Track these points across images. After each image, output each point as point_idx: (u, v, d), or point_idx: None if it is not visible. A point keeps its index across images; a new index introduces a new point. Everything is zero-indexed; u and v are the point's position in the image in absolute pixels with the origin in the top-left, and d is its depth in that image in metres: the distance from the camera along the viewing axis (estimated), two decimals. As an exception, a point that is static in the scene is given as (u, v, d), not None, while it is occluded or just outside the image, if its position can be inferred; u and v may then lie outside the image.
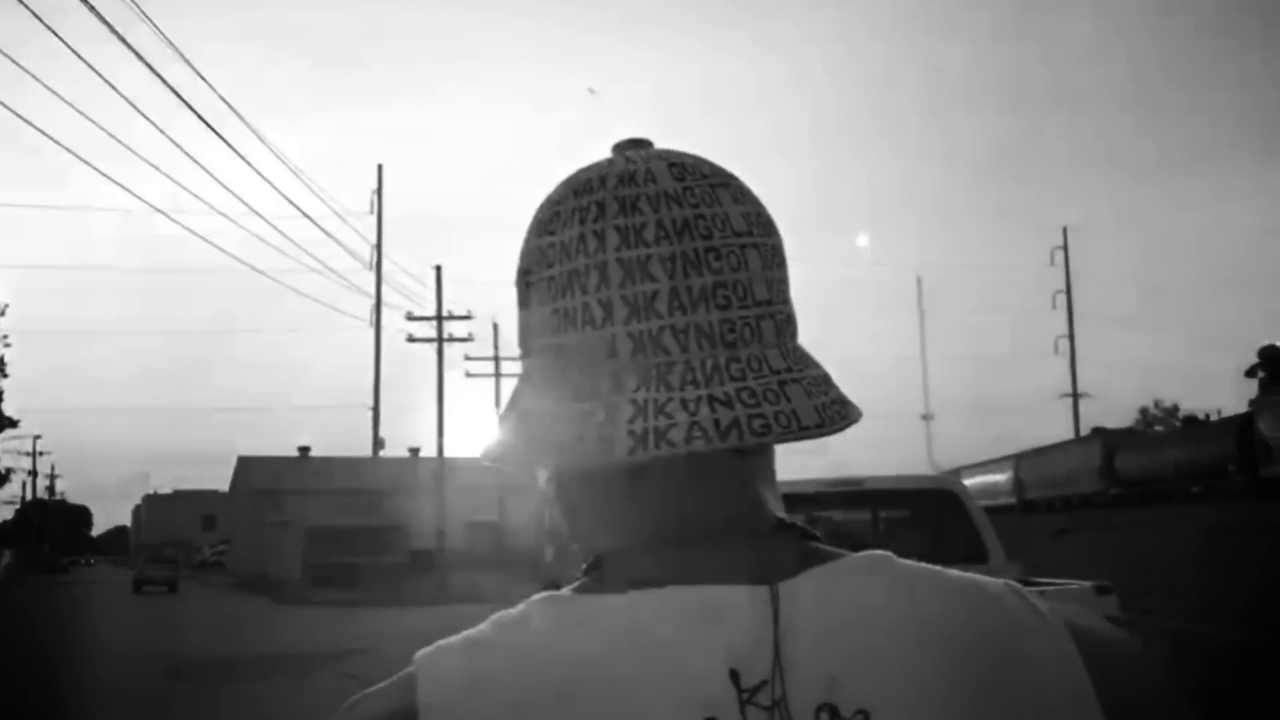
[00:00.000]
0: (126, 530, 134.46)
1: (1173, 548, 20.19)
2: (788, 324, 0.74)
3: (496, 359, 45.88)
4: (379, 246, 44.35)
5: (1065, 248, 59.78)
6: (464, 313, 39.64)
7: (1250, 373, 57.75)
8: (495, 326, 45.42)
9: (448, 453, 41.61)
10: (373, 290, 42.76)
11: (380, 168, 45.71)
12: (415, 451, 61.13)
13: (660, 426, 0.67)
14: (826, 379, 0.74)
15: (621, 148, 0.77)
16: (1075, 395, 58.43)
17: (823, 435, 0.70)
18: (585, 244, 0.71)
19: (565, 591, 0.70)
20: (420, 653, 0.70)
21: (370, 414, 43.47)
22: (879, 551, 0.73)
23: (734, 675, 0.64)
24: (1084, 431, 54.08)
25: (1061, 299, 59.06)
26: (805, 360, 0.74)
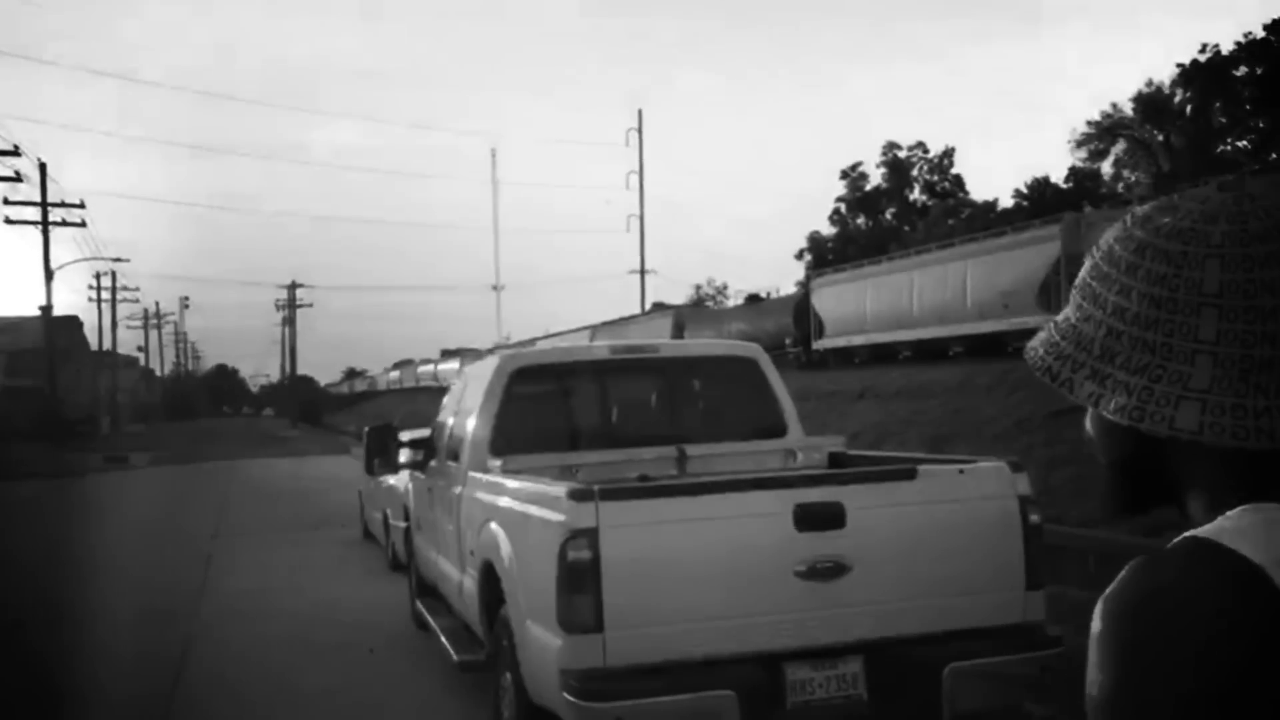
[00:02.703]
0: None
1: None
2: None
3: (44, 204, 40.37)
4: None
5: (640, 129, 62.23)
6: (9, 147, 34.08)
7: (799, 255, 63.84)
8: (43, 167, 39.81)
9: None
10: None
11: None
12: (-67, 307, 52.99)
13: None
14: None
15: (1232, 187, 1.01)
16: (643, 271, 61.75)
17: None
18: None
19: (1259, 505, 0.95)
20: (1214, 529, 0.94)
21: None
22: None
23: None
24: (648, 305, 57.60)
25: (635, 179, 61.70)
26: None
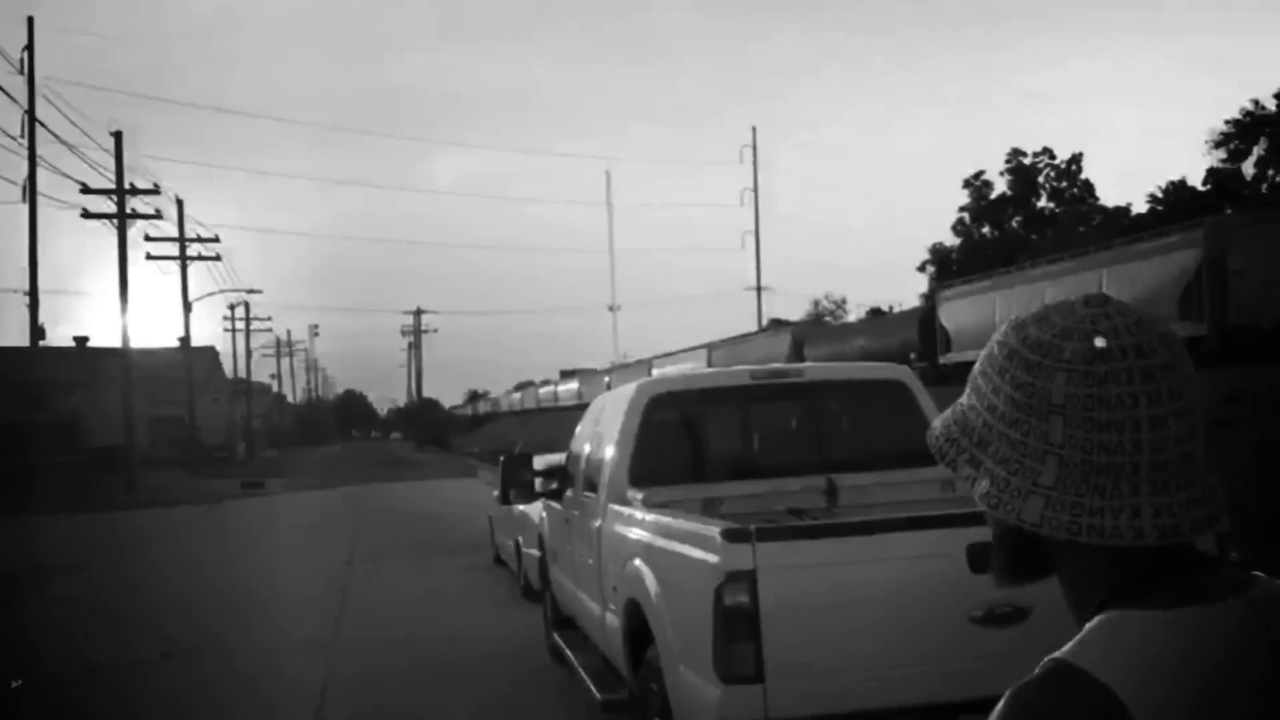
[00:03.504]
0: None
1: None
2: (1202, 446, 1.11)
3: (182, 239, 42.05)
4: (31, 111, 39.11)
5: (754, 146, 61.90)
6: (149, 185, 35.54)
7: (922, 268, 62.50)
8: (179, 203, 41.52)
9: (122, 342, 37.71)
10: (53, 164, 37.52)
11: (31, 20, 40.13)
12: (82, 341, 55.40)
13: (1173, 524, 1.06)
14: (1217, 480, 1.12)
15: (1095, 304, 1.13)
16: (759, 288, 61.22)
17: (1211, 528, 1.07)
18: (1123, 401, 1.06)
19: (1120, 613, 1.06)
20: (1076, 652, 1.05)
21: (26, 299, 38.66)
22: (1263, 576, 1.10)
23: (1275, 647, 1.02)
24: (764, 322, 57.09)
25: (749, 196, 61.31)
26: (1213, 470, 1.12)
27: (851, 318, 58.34)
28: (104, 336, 51.08)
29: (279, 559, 17.29)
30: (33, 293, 38.82)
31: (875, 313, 41.46)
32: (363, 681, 8.59)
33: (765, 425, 6.79)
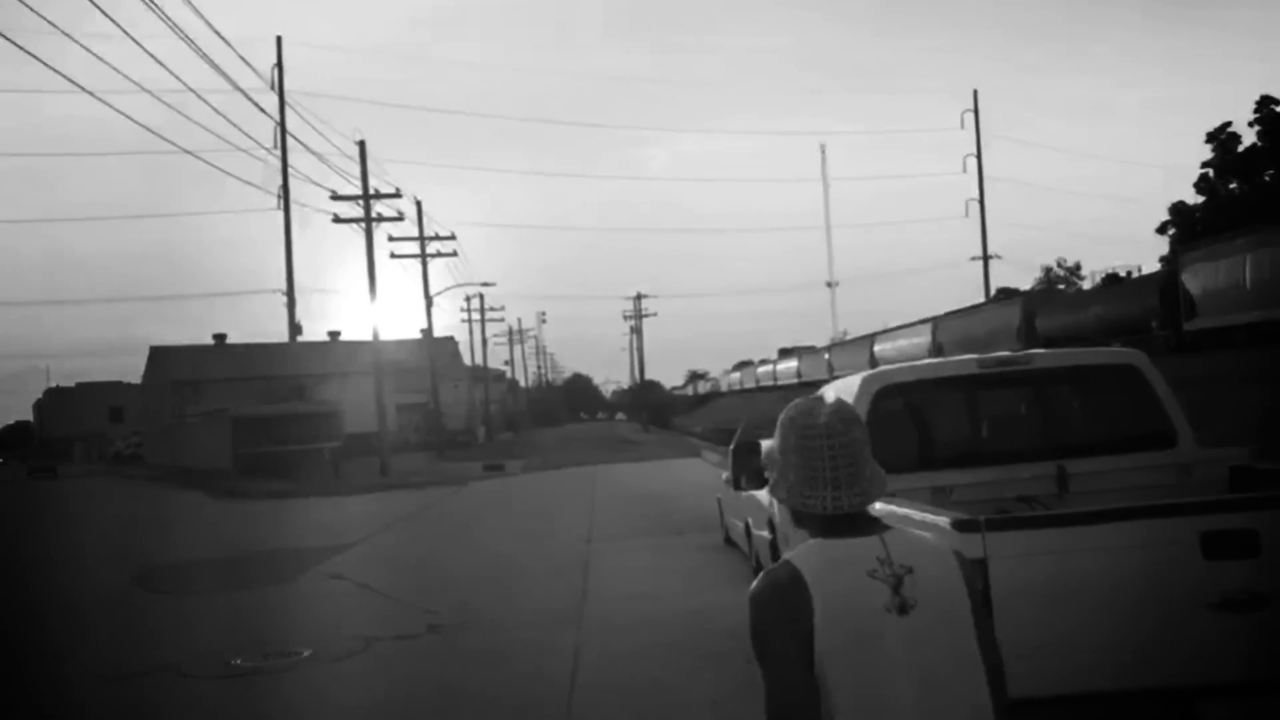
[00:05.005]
0: (29, 425, 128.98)
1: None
2: (867, 467, 2.35)
3: (422, 238, 44.57)
4: (282, 124, 42.28)
5: (975, 110, 59.87)
6: (391, 190, 37.97)
7: (1162, 229, 58.86)
8: (419, 204, 44.05)
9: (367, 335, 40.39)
10: (293, 173, 40.65)
11: (279, 40, 43.39)
12: (335, 335, 59.69)
13: (838, 505, 2.30)
14: (874, 483, 2.36)
15: (819, 401, 2.43)
16: (985, 257, 59.24)
17: (865, 506, 2.34)
18: (814, 448, 2.33)
19: (816, 540, 2.30)
20: (793, 552, 2.30)
21: (285, 299, 41.96)
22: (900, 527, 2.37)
23: (879, 559, 2.24)
24: (992, 292, 55.20)
25: (971, 162, 59.40)
26: (873, 480, 2.36)
27: (1086, 285, 55.70)
28: (354, 330, 54.72)
29: (524, 537, 18.34)
30: (290, 292, 42.14)
31: (1112, 279, 39.47)
32: (610, 655, 9.17)
33: (994, 412, 6.87)
